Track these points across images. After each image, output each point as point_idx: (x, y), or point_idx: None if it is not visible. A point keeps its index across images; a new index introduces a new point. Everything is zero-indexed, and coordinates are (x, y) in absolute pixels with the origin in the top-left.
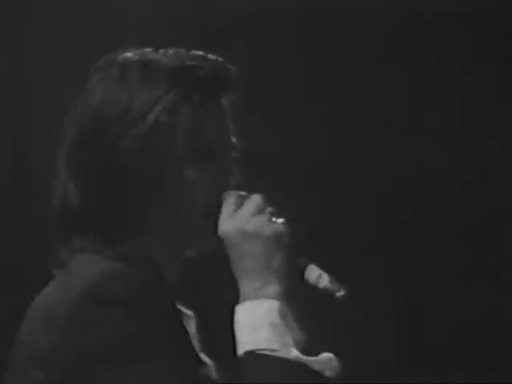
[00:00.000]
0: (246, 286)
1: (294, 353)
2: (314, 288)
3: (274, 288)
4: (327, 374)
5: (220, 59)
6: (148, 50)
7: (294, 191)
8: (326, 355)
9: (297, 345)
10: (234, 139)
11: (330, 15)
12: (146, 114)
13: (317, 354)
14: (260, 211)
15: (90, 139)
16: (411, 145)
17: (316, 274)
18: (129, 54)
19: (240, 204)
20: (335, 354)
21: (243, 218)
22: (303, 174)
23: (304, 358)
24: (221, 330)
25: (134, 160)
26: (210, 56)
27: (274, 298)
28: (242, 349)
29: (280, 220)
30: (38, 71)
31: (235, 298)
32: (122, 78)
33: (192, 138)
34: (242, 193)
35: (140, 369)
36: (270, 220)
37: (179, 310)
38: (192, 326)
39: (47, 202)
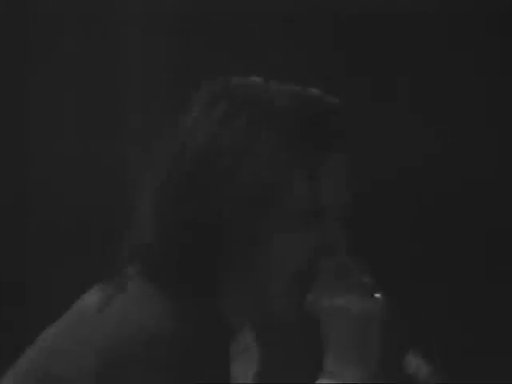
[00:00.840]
0: (326, 362)
1: None
2: (411, 378)
3: (355, 374)
4: None
5: (337, 103)
6: (257, 80)
7: None
8: None
9: None
10: (345, 198)
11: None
12: (254, 168)
13: None
14: (355, 284)
15: (185, 182)
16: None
17: (416, 363)
18: (235, 87)
19: (335, 275)
20: None
21: (334, 291)
22: None
23: None
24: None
25: (229, 213)
26: (329, 99)
27: None
28: None
29: (377, 296)
30: (39, 71)
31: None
32: (227, 119)
33: (300, 201)
34: (343, 258)
35: None
36: (365, 296)
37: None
38: (251, 367)
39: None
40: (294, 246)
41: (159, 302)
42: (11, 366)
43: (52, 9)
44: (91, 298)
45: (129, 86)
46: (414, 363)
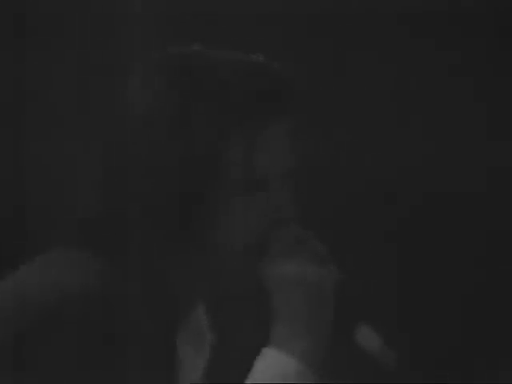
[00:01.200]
0: (275, 331)
1: None
2: (361, 351)
3: (302, 345)
4: None
5: (281, 70)
6: (196, 49)
7: None
8: None
9: None
10: (290, 165)
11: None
12: (190, 139)
13: None
14: (310, 254)
15: (124, 155)
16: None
17: (367, 336)
18: (173, 57)
19: (286, 245)
20: None
21: (285, 261)
22: None
23: None
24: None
25: (170, 187)
26: (273, 66)
27: (297, 356)
28: None
29: (331, 267)
30: (39, 72)
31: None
32: (169, 86)
33: (241, 169)
34: (295, 230)
35: None
36: (317, 266)
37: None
38: (201, 354)
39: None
40: (241, 217)
41: (100, 268)
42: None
43: (52, 9)
44: (38, 261)
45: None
46: (366, 336)
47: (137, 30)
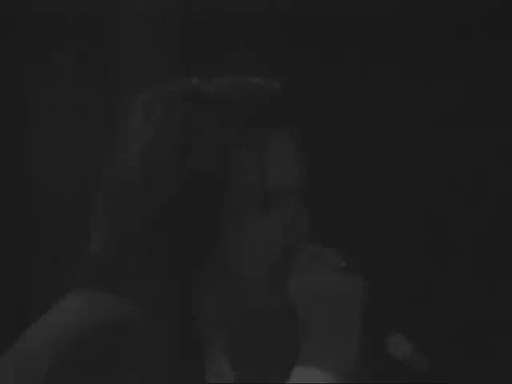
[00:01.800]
0: (306, 347)
1: None
2: (392, 359)
3: (335, 358)
4: None
5: (280, 88)
6: (194, 80)
7: None
8: None
9: None
10: (299, 178)
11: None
12: (196, 162)
13: None
14: (333, 267)
15: (134, 184)
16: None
17: (397, 343)
18: (173, 86)
19: (311, 258)
20: None
21: (313, 275)
22: None
23: None
24: None
25: (182, 212)
26: (270, 84)
27: (326, 369)
28: None
29: (356, 278)
30: (40, 71)
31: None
32: (168, 116)
33: (248, 185)
34: (315, 245)
35: None
36: (343, 278)
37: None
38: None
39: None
40: (261, 237)
41: (119, 308)
42: None
43: (52, 9)
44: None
45: (129, 86)
46: (397, 344)
47: (135, 30)
